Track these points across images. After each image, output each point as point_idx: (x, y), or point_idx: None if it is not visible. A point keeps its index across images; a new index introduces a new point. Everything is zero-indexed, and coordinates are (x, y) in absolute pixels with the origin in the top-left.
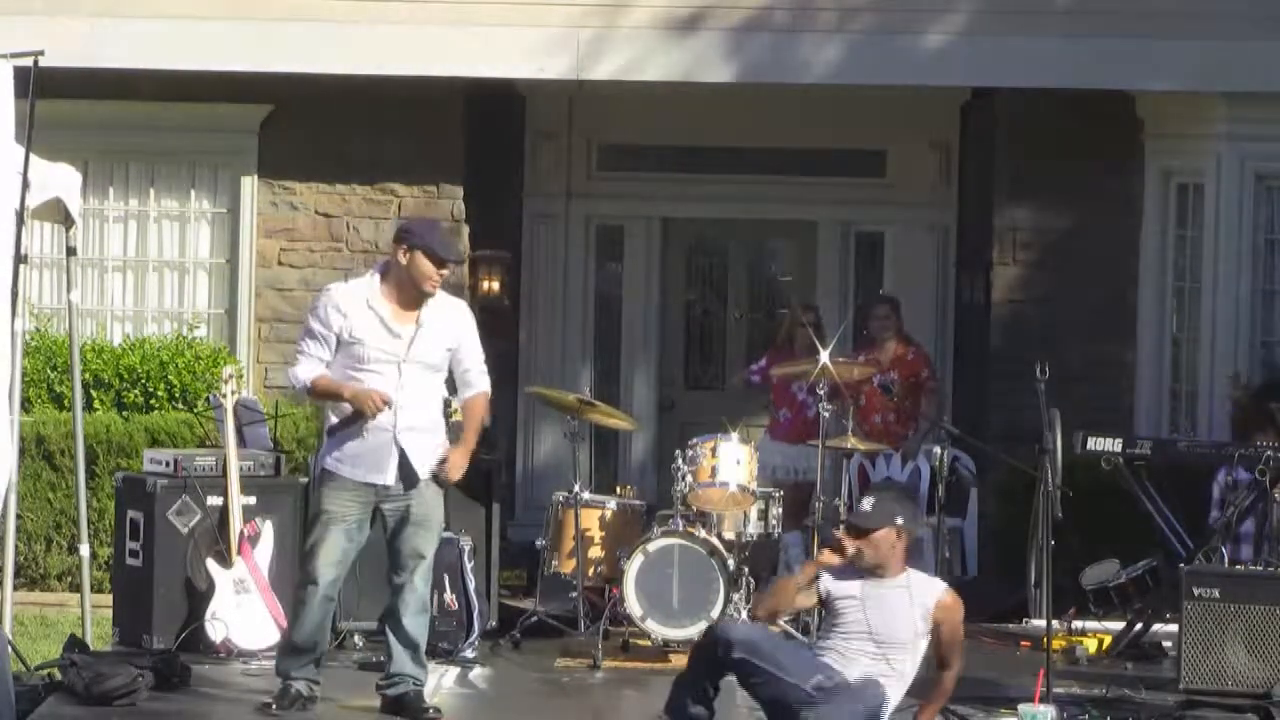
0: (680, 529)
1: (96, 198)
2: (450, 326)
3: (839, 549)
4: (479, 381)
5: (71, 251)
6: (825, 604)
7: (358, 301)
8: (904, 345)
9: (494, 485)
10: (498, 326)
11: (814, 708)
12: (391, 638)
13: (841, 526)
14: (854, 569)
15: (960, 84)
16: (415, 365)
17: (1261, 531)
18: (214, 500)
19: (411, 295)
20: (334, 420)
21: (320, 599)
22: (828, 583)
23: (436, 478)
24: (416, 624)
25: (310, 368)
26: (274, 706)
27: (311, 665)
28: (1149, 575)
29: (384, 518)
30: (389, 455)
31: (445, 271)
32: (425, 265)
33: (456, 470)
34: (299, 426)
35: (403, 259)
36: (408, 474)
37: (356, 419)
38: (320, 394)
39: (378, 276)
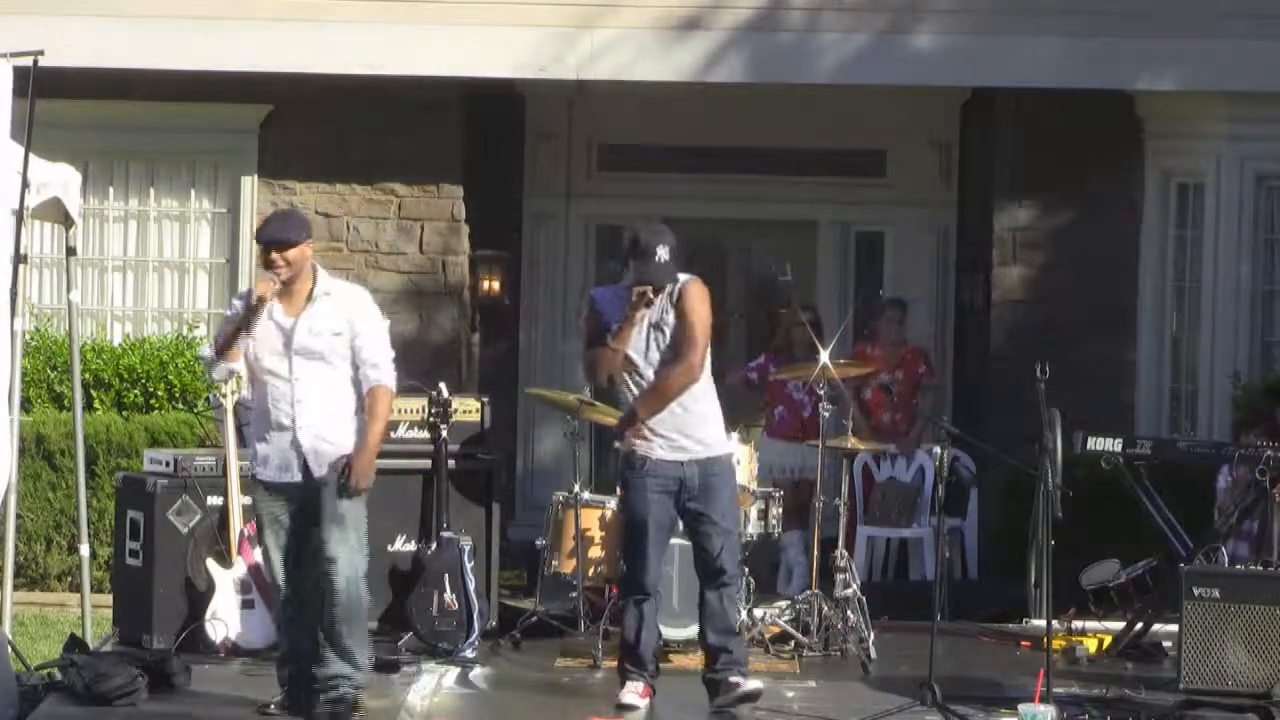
0: (679, 529)
1: (96, 198)
2: (338, 311)
3: (650, 303)
4: (375, 374)
5: (71, 251)
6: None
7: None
8: (903, 343)
9: (494, 485)
10: (498, 326)
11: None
12: (321, 638)
13: (645, 288)
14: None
15: (960, 84)
16: (302, 356)
17: (1262, 532)
18: (214, 500)
19: (289, 289)
20: (254, 429)
21: (289, 607)
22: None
23: (345, 488)
24: (332, 616)
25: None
26: (271, 707)
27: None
28: (1149, 575)
29: (298, 519)
30: (293, 453)
31: (274, 255)
32: (260, 256)
33: (360, 478)
34: None
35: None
36: (308, 470)
37: (262, 414)
38: (226, 342)
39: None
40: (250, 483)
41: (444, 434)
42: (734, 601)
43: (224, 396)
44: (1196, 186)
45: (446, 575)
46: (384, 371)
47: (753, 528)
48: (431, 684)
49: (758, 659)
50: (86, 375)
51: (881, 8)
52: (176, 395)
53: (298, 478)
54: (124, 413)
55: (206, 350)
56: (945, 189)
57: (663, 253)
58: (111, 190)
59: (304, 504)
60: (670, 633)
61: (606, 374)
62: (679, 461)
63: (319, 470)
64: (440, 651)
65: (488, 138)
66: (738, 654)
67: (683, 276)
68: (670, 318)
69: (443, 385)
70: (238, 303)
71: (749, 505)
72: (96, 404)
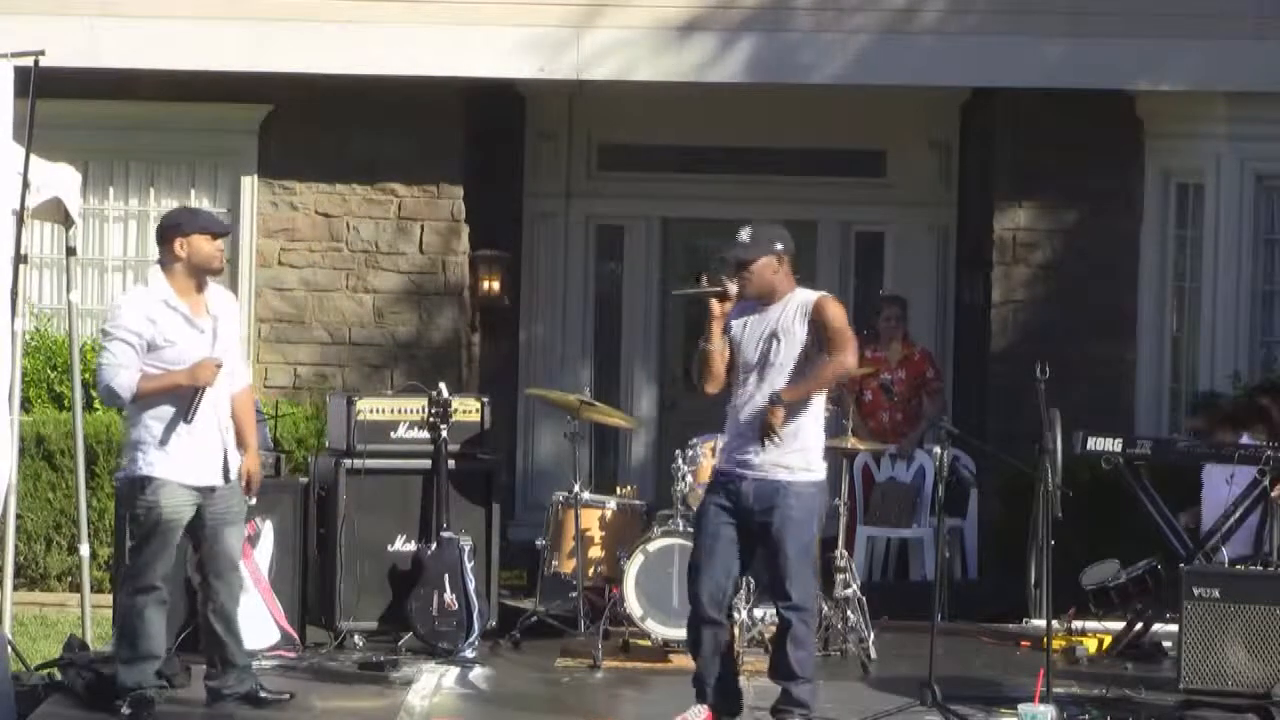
0: (680, 529)
1: (96, 198)
2: (233, 314)
3: (725, 293)
4: (244, 372)
5: (71, 251)
6: (733, 347)
7: (158, 305)
8: (909, 345)
9: (494, 485)
10: (498, 326)
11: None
12: (222, 634)
13: (727, 266)
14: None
15: (960, 84)
16: (220, 359)
17: (1261, 531)
18: None
19: (199, 286)
20: (154, 426)
21: (158, 605)
22: (731, 330)
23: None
24: (235, 612)
25: (131, 376)
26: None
27: (155, 674)
28: (1149, 575)
29: (205, 522)
30: (217, 455)
31: (221, 245)
32: (206, 245)
33: (258, 482)
34: (299, 426)
35: (181, 251)
36: (227, 471)
37: (181, 414)
38: (149, 394)
39: (163, 278)
40: (143, 482)
41: (444, 434)
42: (800, 644)
43: None
44: (1196, 186)
45: (446, 575)
46: (247, 370)
47: None
48: (431, 684)
49: (758, 659)
50: (86, 375)
51: (881, 8)
52: None
53: (219, 480)
54: (124, 413)
55: (123, 387)
56: (945, 189)
57: (744, 234)
58: (111, 190)
59: (214, 506)
60: (670, 633)
61: (709, 375)
62: (740, 475)
63: (233, 473)
64: (440, 651)
65: (488, 138)
66: (799, 695)
67: (814, 293)
68: (798, 328)
69: (443, 385)
70: (134, 329)
71: None
72: (96, 404)
